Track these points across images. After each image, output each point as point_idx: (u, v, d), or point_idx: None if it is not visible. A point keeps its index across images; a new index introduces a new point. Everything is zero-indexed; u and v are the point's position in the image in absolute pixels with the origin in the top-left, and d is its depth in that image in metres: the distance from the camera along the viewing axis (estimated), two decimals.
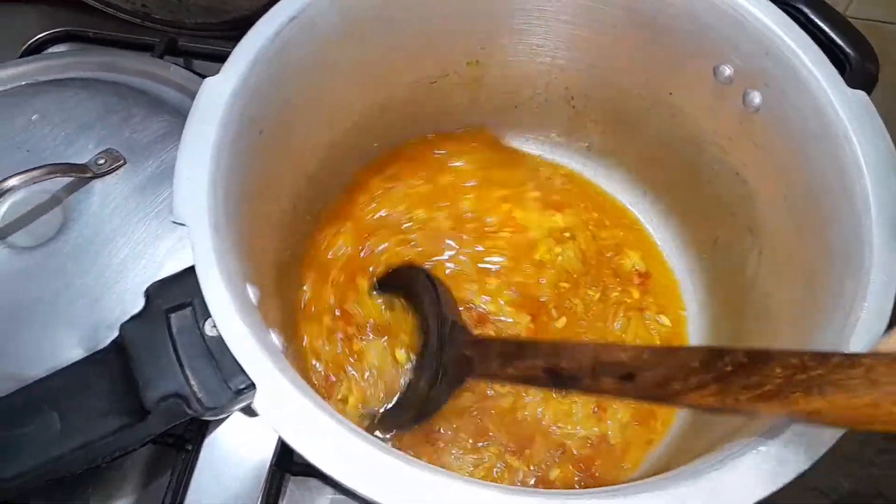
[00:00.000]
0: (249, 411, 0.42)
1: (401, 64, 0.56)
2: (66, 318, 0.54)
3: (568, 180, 0.66)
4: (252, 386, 0.36)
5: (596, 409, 0.54)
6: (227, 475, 0.61)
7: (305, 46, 0.46)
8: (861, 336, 0.36)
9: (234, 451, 0.62)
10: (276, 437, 0.61)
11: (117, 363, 0.38)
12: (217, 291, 0.36)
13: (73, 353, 0.52)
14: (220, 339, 0.37)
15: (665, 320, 0.59)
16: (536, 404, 0.54)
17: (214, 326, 0.37)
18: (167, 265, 0.56)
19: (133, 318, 0.38)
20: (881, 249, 0.38)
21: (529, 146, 0.67)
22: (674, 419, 0.55)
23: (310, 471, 0.59)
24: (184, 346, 0.37)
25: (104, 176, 0.58)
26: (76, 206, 0.57)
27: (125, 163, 0.59)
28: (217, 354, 0.37)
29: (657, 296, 0.60)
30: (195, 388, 0.37)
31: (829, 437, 0.34)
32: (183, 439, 0.60)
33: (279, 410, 0.34)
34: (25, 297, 0.54)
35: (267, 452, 0.61)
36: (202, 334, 0.38)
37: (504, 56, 0.58)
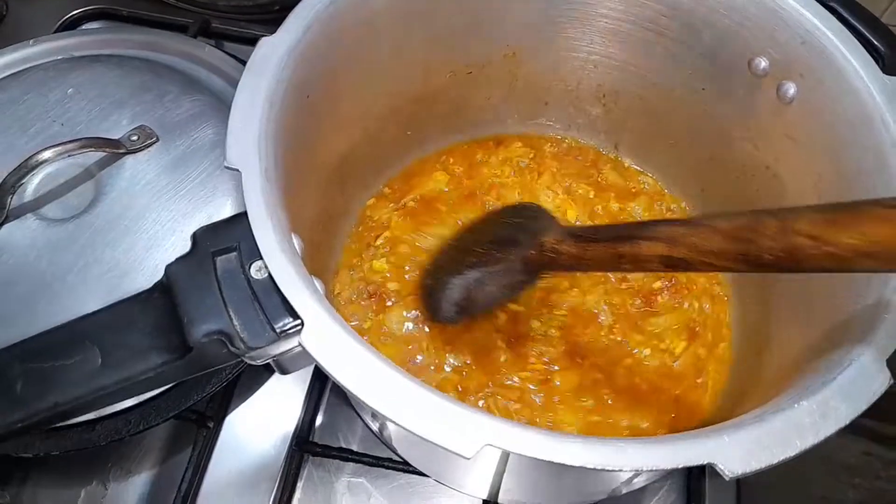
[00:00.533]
0: (282, 367, 0.43)
1: (441, 48, 0.57)
2: (94, 291, 0.54)
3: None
4: (294, 328, 0.37)
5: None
6: (246, 454, 0.61)
7: (356, 16, 0.48)
8: None
9: (255, 430, 0.62)
10: (297, 418, 0.61)
11: (161, 302, 0.38)
12: (267, 233, 0.37)
13: None
14: (264, 283, 0.38)
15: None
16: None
17: (260, 269, 0.38)
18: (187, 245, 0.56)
19: (179, 259, 0.39)
20: None
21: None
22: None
23: (328, 452, 0.59)
24: (228, 288, 0.38)
25: (136, 152, 0.59)
26: (108, 181, 0.58)
27: (157, 140, 0.60)
28: (261, 297, 0.38)
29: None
30: (238, 328, 0.37)
31: (865, 396, 0.34)
32: (204, 416, 0.60)
33: (325, 346, 0.34)
34: (55, 269, 0.55)
35: (287, 433, 0.61)
36: (247, 277, 0.38)
37: (540, 49, 0.60)
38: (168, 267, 0.39)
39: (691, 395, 0.56)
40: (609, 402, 0.55)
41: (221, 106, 0.63)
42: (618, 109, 0.64)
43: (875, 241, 0.30)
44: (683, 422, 0.55)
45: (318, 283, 0.38)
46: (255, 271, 0.38)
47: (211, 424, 0.60)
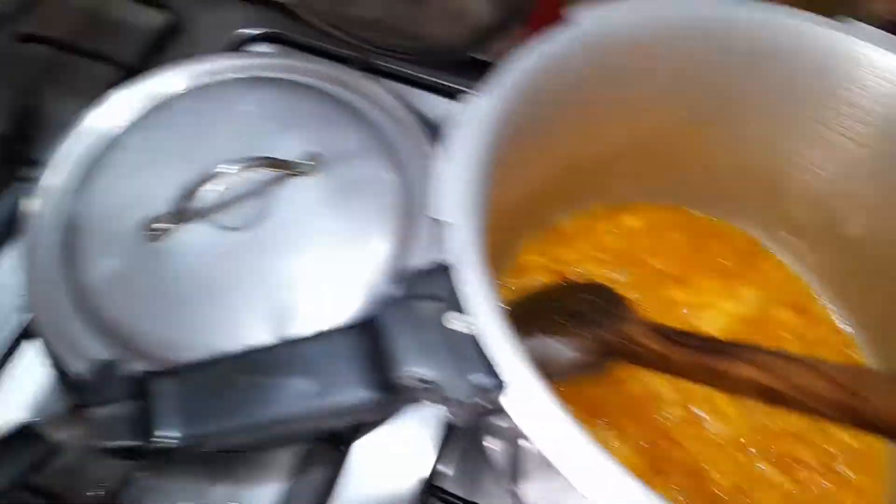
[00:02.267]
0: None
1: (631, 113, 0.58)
2: (253, 301, 0.57)
3: None
4: (492, 386, 0.38)
5: None
6: (376, 485, 0.60)
7: (558, 81, 0.50)
8: None
9: (387, 463, 0.60)
10: (433, 459, 0.59)
11: (366, 339, 0.41)
12: (474, 288, 0.39)
13: (255, 333, 0.55)
14: (466, 337, 0.39)
15: None
16: None
17: (461, 322, 0.40)
18: (347, 273, 0.59)
19: (385, 301, 0.41)
20: None
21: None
22: None
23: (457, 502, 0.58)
24: (429, 336, 0.40)
25: (304, 175, 0.62)
26: (275, 199, 0.61)
27: (323, 166, 0.63)
28: (460, 349, 0.39)
29: None
30: (437, 378, 0.39)
31: None
32: (339, 439, 0.60)
33: (528, 411, 0.35)
34: (219, 275, 0.58)
35: (420, 472, 0.59)
36: (448, 328, 0.40)
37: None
38: (375, 306, 0.41)
39: None
40: None
41: (384, 142, 0.66)
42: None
43: None
44: None
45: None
46: (459, 324, 0.40)
47: (343, 448, 0.61)
